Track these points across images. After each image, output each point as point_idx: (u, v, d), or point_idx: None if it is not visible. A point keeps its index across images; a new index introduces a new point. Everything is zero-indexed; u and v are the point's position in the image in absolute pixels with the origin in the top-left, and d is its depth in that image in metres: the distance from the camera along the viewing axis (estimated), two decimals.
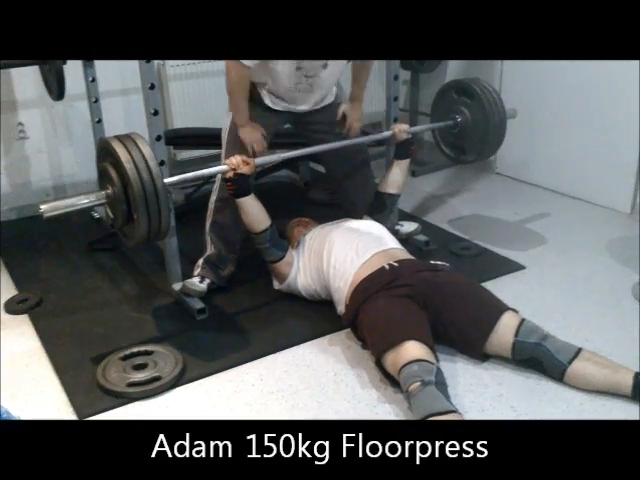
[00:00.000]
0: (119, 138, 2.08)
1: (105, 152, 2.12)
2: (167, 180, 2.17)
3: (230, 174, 2.34)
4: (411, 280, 2.23)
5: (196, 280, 2.60)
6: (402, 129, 2.75)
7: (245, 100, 2.48)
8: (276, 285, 2.63)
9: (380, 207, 2.78)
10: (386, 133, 2.82)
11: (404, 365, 1.95)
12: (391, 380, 2.10)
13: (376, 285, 2.24)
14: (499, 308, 2.16)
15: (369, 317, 2.19)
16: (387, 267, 2.29)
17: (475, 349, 2.18)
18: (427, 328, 2.10)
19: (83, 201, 2.07)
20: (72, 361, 2.25)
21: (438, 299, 2.19)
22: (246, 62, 2.35)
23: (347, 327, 2.38)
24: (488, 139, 2.90)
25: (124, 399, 2.05)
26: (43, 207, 1.98)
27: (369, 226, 2.61)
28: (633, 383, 1.95)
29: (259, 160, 2.44)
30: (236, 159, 2.34)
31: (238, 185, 2.36)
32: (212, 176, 2.63)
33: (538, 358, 2.07)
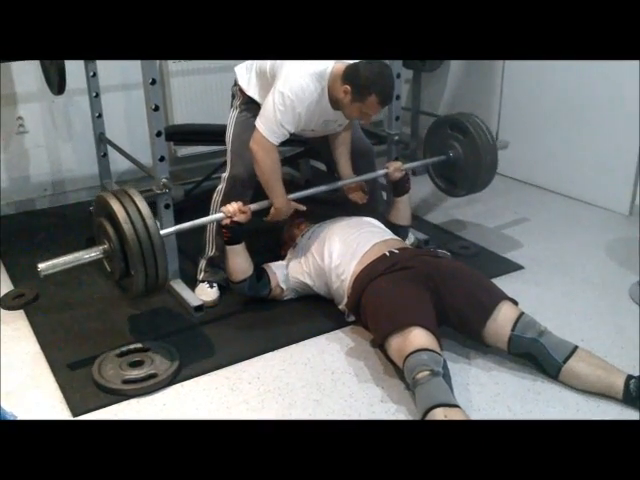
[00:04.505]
0: (115, 194, 2.09)
1: (101, 207, 2.12)
2: (163, 232, 2.15)
3: (227, 221, 2.33)
4: (412, 262, 2.26)
5: (205, 286, 2.59)
6: (396, 167, 2.72)
7: (281, 182, 2.43)
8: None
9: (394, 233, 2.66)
10: (380, 172, 2.78)
11: (412, 352, 1.95)
12: (389, 378, 2.11)
13: (378, 270, 2.25)
14: (499, 295, 2.18)
15: (373, 300, 2.20)
16: (388, 254, 2.32)
17: (473, 331, 2.18)
18: (433, 315, 2.11)
19: (81, 258, 2.09)
20: (68, 357, 2.24)
21: (439, 281, 2.20)
22: (272, 139, 2.32)
23: (349, 317, 2.40)
24: (479, 177, 2.92)
25: (120, 396, 2.04)
26: (41, 266, 2.00)
27: (368, 221, 2.62)
28: (624, 386, 1.95)
29: (254, 206, 2.41)
30: (233, 207, 2.32)
31: (233, 233, 2.35)
32: (215, 172, 2.60)
33: (533, 354, 2.08)
